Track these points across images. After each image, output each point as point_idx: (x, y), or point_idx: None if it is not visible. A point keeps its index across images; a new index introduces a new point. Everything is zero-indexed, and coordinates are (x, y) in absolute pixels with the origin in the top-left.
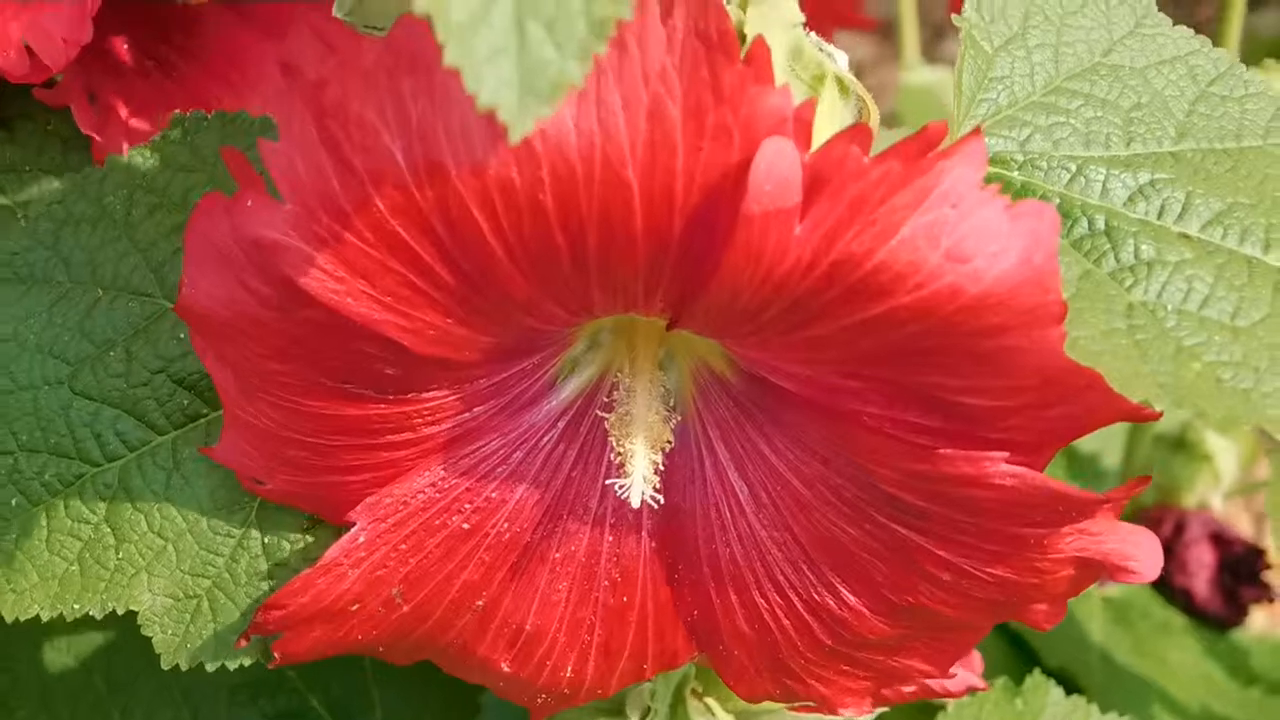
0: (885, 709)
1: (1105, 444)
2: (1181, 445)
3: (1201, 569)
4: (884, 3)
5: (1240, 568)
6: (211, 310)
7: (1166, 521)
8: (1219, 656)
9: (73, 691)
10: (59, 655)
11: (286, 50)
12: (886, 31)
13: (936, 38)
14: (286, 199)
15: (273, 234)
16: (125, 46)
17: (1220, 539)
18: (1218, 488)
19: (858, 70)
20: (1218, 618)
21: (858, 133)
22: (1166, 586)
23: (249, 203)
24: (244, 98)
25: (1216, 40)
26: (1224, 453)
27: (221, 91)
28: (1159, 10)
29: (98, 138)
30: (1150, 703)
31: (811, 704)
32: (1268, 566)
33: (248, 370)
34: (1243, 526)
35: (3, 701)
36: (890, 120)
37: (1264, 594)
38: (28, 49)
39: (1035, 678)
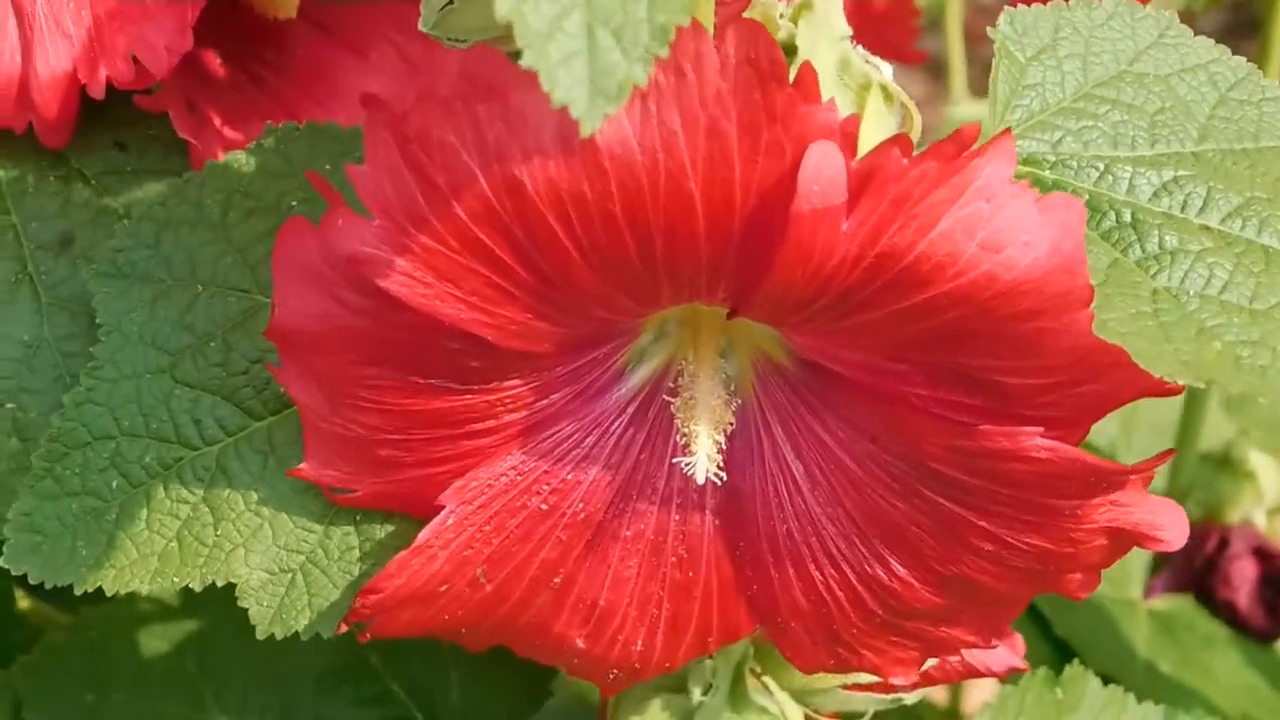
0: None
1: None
2: (1226, 463)
3: (1244, 583)
4: (935, 41)
5: None
6: (304, 325)
7: (1211, 537)
8: (1261, 668)
9: (166, 674)
10: (153, 640)
11: (369, 66)
12: (938, 72)
13: (985, 76)
14: (375, 215)
15: (365, 248)
16: (219, 59)
17: (1263, 553)
18: (1261, 504)
19: None
20: (1260, 630)
21: (900, 140)
22: (1211, 600)
23: (339, 222)
24: (329, 109)
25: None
26: (1267, 470)
27: (308, 103)
28: None
29: (195, 142)
30: (1193, 710)
31: (862, 677)
32: None
33: (339, 380)
34: None
35: (100, 685)
36: None
37: None
38: (133, 58)
39: (1074, 668)
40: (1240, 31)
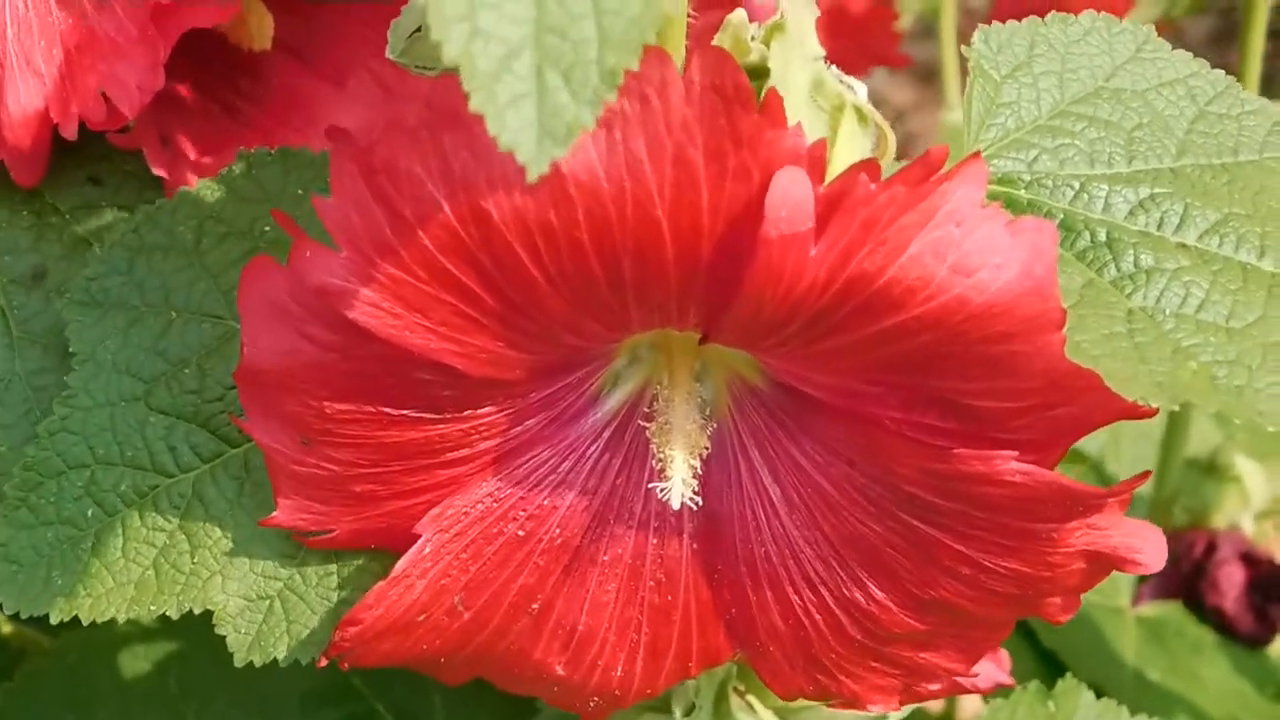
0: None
1: (1135, 470)
2: (1212, 469)
3: (1232, 588)
4: (927, 48)
5: (1270, 587)
6: (274, 364)
7: (1199, 542)
8: (1249, 673)
9: (148, 696)
10: (135, 662)
11: (345, 93)
12: (929, 77)
13: None
14: (342, 247)
15: (333, 280)
16: (193, 91)
17: (1250, 559)
18: (1247, 509)
19: (901, 114)
20: (1248, 635)
21: (867, 164)
22: (1199, 605)
23: (307, 254)
24: (305, 137)
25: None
26: (1253, 475)
27: (284, 132)
28: (1192, 51)
29: (168, 177)
30: (1181, 717)
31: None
32: None
33: (310, 418)
34: (1273, 547)
35: (83, 708)
36: None
37: None
38: (105, 97)
39: (1067, 681)
40: (1230, 36)
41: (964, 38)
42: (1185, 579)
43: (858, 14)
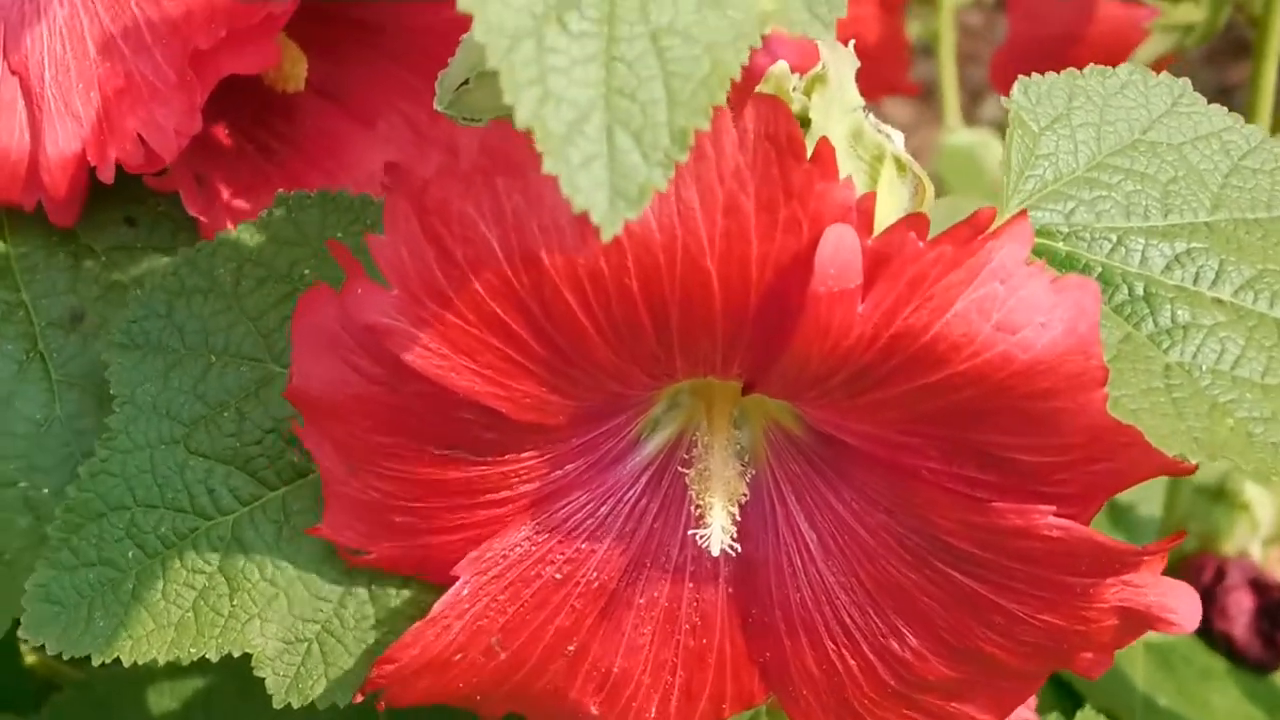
0: None
1: (1145, 494)
2: (1221, 495)
3: (1241, 614)
4: (925, 68)
5: (1278, 613)
6: (323, 393)
7: (1207, 568)
8: (1259, 699)
9: None
10: (161, 699)
11: (377, 136)
12: (926, 96)
13: (974, 102)
14: (393, 285)
15: (382, 319)
16: (228, 133)
17: (1259, 585)
18: (1256, 535)
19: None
20: (1257, 661)
21: (915, 220)
22: (1208, 632)
23: (358, 291)
24: (337, 180)
25: (1248, 101)
26: (1262, 502)
27: (316, 174)
28: (1192, 69)
29: (204, 219)
30: None
31: None
32: None
33: (355, 446)
34: None
35: None
36: (931, 180)
37: None
38: (142, 141)
39: (1086, 713)
40: (1231, 52)
41: (960, 56)
42: None
43: (871, 43)
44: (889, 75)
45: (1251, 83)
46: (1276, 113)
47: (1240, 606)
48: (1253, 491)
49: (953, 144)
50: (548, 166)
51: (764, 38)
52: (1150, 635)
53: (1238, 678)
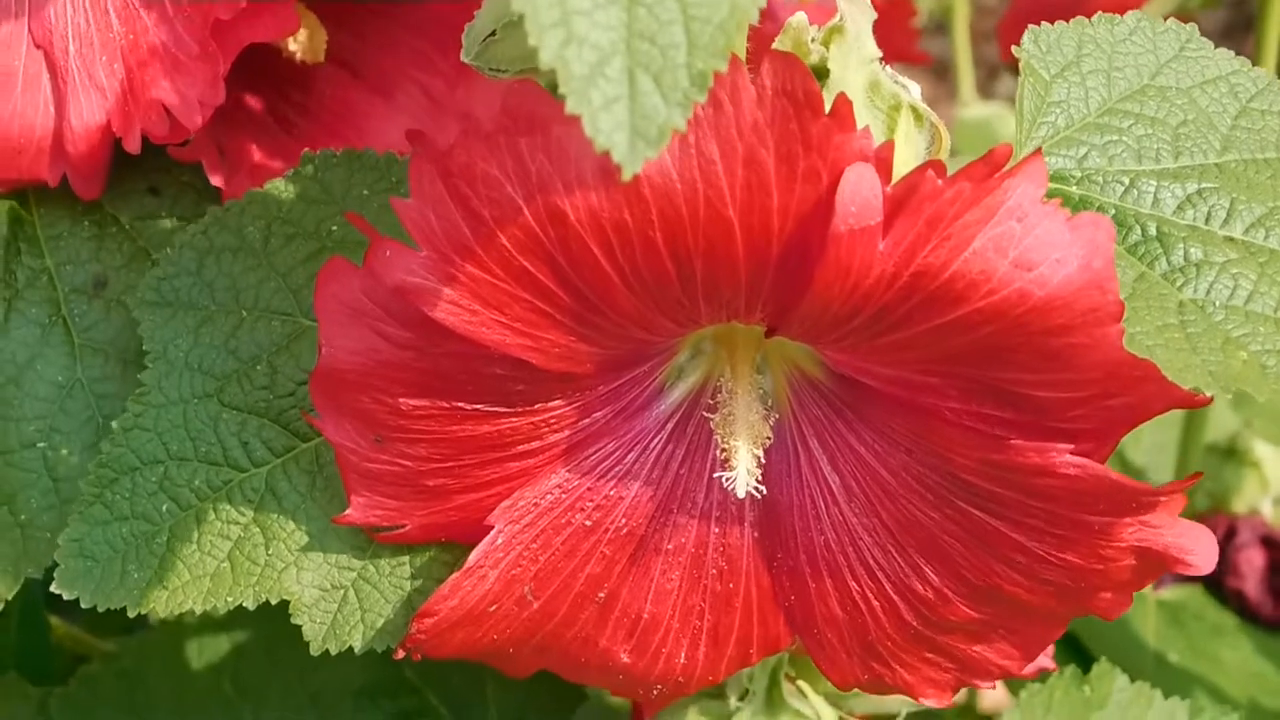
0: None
1: (1157, 459)
2: (1231, 454)
3: (1252, 572)
4: (940, 44)
5: None
6: (351, 363)
7: (1218, 527)
8: (1270, 656)
9: (204, 697)
10: (190, 664)
11: (395, 106)
12: (942, 72)
13: (990, 78)
14: (421, 246)
15: (411, 278)
16: (248, 104)
17: (1270, 542)
18: (1267, 494)
19: None
20: (1269, 619)
21: (934, 163)
22: (1219, 589)
23: (386, 253)
24: (356, 149)
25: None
26: (1272, 460)
27: (336, 145)
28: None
29: (225, 188)
30: (1201, 699)
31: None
32: None
33: (384, 415)
34: None
35: (140, 708)
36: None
37: None
38: (167, 111)
39: (1102, 665)
40: (1244, 27)
41: (975, 34)
42: None
43: (877, 8)
44: (896, 41)
45: (1257, 23)
46: None
47: (1251, 564)
48: (1263, 450)
49: (967, 117)
50: (570, 107)
51: None
52: (1162, 592)
53: (1249, 634)
